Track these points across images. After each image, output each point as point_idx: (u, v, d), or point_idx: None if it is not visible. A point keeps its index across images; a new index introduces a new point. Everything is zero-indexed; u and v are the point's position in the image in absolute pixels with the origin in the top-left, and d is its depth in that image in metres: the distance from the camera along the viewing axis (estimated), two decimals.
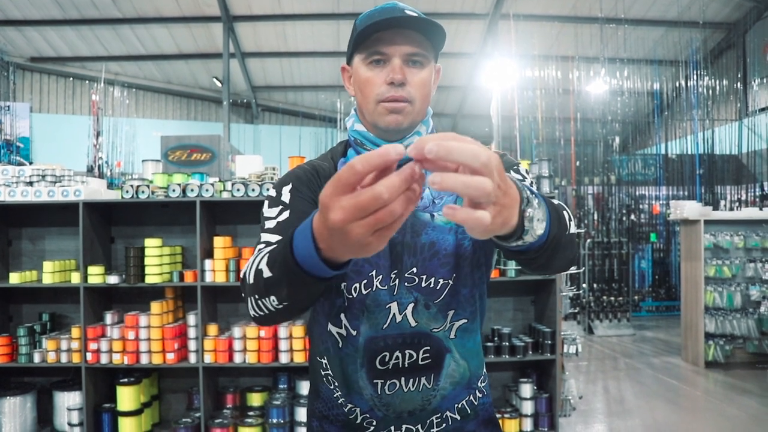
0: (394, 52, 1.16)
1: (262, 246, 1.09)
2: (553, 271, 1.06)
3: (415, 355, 1.21)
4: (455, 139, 0.62)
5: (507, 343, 3.91)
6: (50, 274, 3.82)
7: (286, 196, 1.19)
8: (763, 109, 10.41)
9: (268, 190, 1.26)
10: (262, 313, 0.98)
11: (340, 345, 1.23)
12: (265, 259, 0.92)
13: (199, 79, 14.40)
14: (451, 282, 1.21)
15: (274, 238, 1.10)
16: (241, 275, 1.03)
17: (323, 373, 1.28)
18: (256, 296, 0.96)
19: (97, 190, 4.00)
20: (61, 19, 11.59)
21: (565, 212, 1.00)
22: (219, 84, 13.33)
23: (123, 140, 10.70)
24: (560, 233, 0.94)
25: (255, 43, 12.71)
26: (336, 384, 1.26)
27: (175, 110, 14.96)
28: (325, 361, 1.27)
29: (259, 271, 0.93)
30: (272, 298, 0.92)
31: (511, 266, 3.90)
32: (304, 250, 0.78)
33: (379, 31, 1.15)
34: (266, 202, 1.22)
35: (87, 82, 13.40)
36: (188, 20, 11.76)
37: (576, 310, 8.57)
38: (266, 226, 1.16)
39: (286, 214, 1.15)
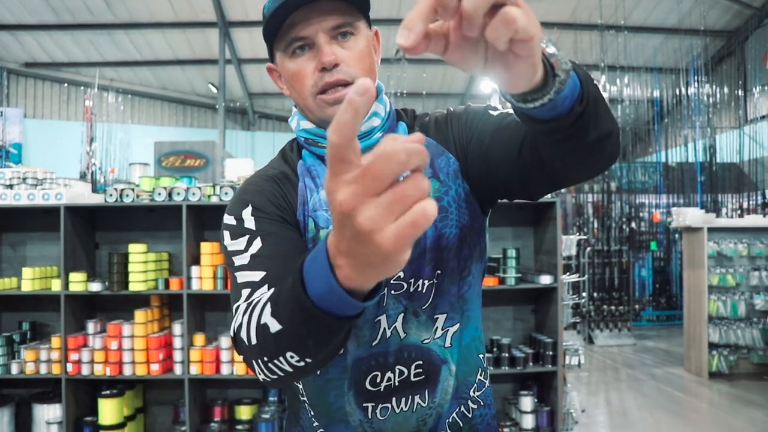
0: (315, 32, 0.99)
1: (246, 290, 0.90)
2: (593, 151, 0.81)
3: (406, 371, 1.05)
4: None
5: (506, 354, 3.76)
6: (30, 281, 3.68)
7: (249, 222, 1.00)
8: (764, 117, 10.31)
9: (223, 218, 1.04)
10: (276, 377, 0.79)
11: (319, 371, 1.06)
12: (268, 308, 0.75)
13: (195, 85, 14.28)
14: (435, 281, 1.04)
15: (257, 275, 0.92)
16: (232, 333, 0.84)
17: (301, 398, 1.12)
18: (265, 358, 0.77)
19: (80, 194, 3.85)
20: (56, 24, 11.44)
21: None
22: (215, 90, 13.20)
23: (117, 147, 10.58)
24: (594, 87, 0.76)
25: (251, 49, 12.58)
26: (313, 413, 1.10)
27: (170, 116, 14.83)
28: (301, 386, 1.11)
29: (263, 327, 0.75)
30: (290, 354, 0.74)
31: (511, 274, 3.75)
32: (319, 283, 0.61)
33: (291, 14, 0.98)
34: (226, 234, 1.02)
35: (82, 87, 13.24)
36: (184, 26, 11.63)
37: (577, 320, 8.42)
38: (238, 263, 0.96)
39: (257, 243, 0.96)
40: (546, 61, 0.67)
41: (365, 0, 1.03)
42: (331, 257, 0.58)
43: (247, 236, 0.98)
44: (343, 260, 0.57)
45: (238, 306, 0.88)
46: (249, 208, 1.01)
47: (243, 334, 0.80)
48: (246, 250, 0.96)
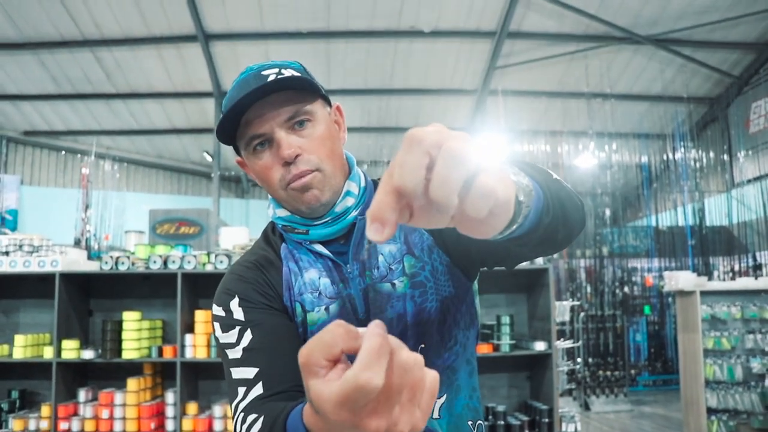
0: (271, 128, 1.00)
1: (242, 389, 0.94)
2: (568, 230, 0.85)
3: None
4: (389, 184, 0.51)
5: (502, 422, 3.72)
6: (22, 348, 3.65)
7: (238, 313, 1.02)
8: (750, 181, 10.51)
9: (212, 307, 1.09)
10: None
11: None
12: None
13: (190, 153, 14.47)
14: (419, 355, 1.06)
15: (250, 371, 0.95)
16: None
17: None
18: None
19: (75, 261, 3.87)
20: (56, 94, 11.71)
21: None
22: (210, 158, 13.38)
23: (112, 214, 10.63)
24: (555, 186, 0.78)
25: None
26: None
27: (165, 184, 14.96)
28: None
29: None
30: None
31: (505, 341, 3.75)
32: None
33: (244, 113, 1.00)
34: (216, 325, 1.04)
35: (79, 155, 13.41)
36: (181, 95, 11.90)
37: (572, 386, 8.31)
38: (231, 357, 0.99)
39: (248, 336, 0.99)
40: None
41: (314, 84, 1.03)
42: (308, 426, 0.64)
43: (237, 328, 1.00)
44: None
45: (236, 406, 0.94)
46: (236, 299, 1.04)
47: None
48: (238, 342, 0.99)
